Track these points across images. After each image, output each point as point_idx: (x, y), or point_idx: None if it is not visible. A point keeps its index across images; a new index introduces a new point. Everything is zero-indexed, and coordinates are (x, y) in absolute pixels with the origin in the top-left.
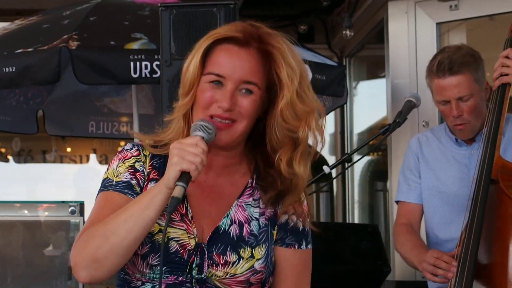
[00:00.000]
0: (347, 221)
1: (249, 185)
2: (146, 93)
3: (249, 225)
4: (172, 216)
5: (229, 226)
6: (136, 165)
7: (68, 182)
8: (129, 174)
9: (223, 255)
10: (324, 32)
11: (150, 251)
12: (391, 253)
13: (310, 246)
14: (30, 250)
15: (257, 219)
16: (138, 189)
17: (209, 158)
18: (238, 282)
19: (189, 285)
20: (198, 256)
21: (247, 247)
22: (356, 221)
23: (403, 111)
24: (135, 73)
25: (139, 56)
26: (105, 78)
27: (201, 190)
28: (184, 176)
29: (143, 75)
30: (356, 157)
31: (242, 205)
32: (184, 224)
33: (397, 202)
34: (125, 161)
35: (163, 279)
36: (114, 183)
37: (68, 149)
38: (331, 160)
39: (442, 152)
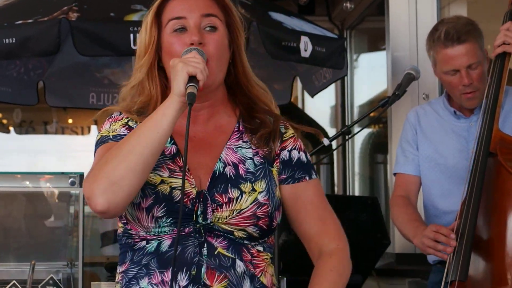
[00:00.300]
0: (348, 193)
1: (236, 129)
2: None
3: (244, 164)
4: (171, 167)
5: (224, 168)
6: (130, 123)
7: (70, 153)
8: (125, 129)
9: (225, 193)
10: (325, 4)
11: (154, 202)
12: (391, 225)
13: (317, 176)
14: (31, 220)
15: (251, 159)
16: None
17: (194, 114)
18: (246, 218)
19: (197, 234)
20: (202, 203)
21: (247, 182)
22: (357, 193)
23: (402, 83)
24: (135, 44)
25: (139, 28)
26: (105, 49)
27: (192, 145)
28: (192, 79)
29: None
30: (356, 129)
31: (232, 148)
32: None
33: (395, 174)
34: (118, 121)
35: (169, 232)
36: (111, 136)
37: (70, 120)
38: (331, 132)
39: (441, 124)
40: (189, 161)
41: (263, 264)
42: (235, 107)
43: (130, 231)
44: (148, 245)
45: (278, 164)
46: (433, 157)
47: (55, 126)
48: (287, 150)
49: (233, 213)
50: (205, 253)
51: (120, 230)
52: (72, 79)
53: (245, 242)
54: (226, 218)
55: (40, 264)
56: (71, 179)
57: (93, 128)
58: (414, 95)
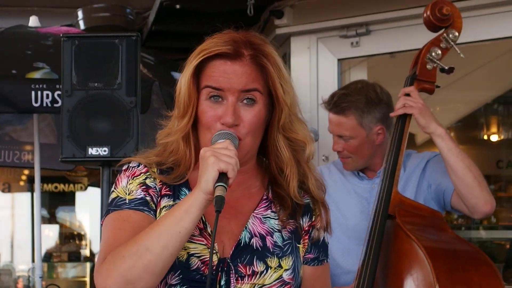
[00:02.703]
0: None
1: (265, 197)
2: (49, 123)
3: (272, 237)
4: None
5: (250, 239)
6: (147, 181)
7: None
8: (142, 191)
9: (250, 265)
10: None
11: (169, 269)
12: None
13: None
14: None
15: (280, 231)
16: (153, 205)
17: None
18: None
19: None
20: (225, 272)
21: (274, 257)
22: None
23: None
24: (36, 102)
25: (41, 86)
26: (5, 106)
27: None
28: (223, 177)
29: (44, 105)
30: None
31: (260, 218)
32: (203, 239)
33: None
34: (135, 178)
35: None
36: (127, 201)
37: None
38: None
39: (344, 184)
40: (213, 224)
41: None
42: (264, 172)
43: None
44: None
45: (307, 241)
46: (336, 217)
47: None
48: (316, 229)
49: (254, 287)
50: None
51: None
52: None
53: None
54: None
55: None
56: None
57: None
58: (314, 156)
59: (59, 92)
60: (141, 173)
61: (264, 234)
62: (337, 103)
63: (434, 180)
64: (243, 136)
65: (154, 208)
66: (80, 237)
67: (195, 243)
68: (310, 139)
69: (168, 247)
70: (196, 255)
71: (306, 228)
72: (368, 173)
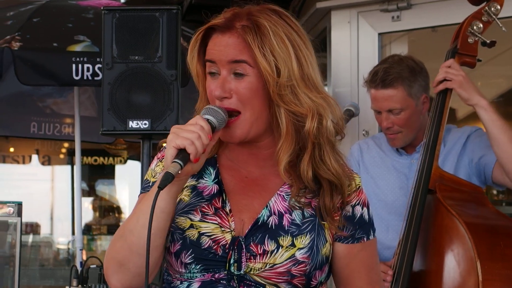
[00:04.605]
0: None
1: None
2: (90, 95)
3: (290, 215)
4: (205, 210)
5: (268, 217)
6: None
7: (10, 182)
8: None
9: (261, 244)
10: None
11: (181, 248)
12: None
13: (375, 234)
14: None
15: (301, 209)
16: None
17: (255, 152)
18: (278, 274)
19: (229, 283)
20: (236, 251)
21: (287, 235)
22: None
23: None
24: (77, 75)
25: (81, 59)
26: (46, 79)
27: (243, 185)
28: (181, 153)
29: (85, 77)
30: None
31: (283, 195)
32: (217, 218)
33: None
34: (162, 160)
35: (200, 277)
36: (150, 184)
37: (11, 149)
38: None
39: (383, 160)
40: (235, 202)
41: None
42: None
43: (168, 271)
44: (181, 285)
45: (337, 218)
46: (375, 192)
47: None
48: (351, 205)
49: (265, 266)
50: None
51: (165, 265)
52: (14, 108)
53: None
54: (258, 270)
55: None
56: (10, 208)
57: (34, 157)
58: (354, 131)
59: (99, 65)
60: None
61: (283, 211)
62: (383, 77)
63: (475, 154)
64: (237, 107)
65: None
66: (119, 210)
67: (207, 222)
68: (317, 111)
69: (146, 226)
70: (206, 234)
71: (338, 205)
72: (407, 148)
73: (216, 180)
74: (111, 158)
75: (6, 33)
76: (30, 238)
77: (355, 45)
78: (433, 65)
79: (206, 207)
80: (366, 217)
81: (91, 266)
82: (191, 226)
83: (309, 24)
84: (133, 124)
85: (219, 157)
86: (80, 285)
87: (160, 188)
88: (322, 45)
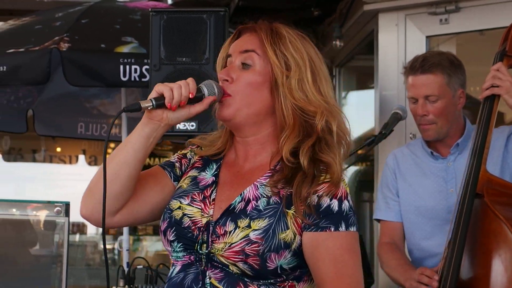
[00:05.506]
0: None
1: (272, 167)
2: (136, 97)
3: (256, 202)
4: (195, 196)
5: (238, 203)
6: (187, 154)
7: (57, 182)
8: (177, 158)
9: (224, 226)
10: (315, 42)
11: (167, 226)
12: (375, 264)
13: (352, 229)
14: (16, 248)
15: (268, 197)
16: (178, 171)
17: (246, 148)
18: (235, 252)
19: (197, 263)
20: (205, 233)
21: (247, 218)
22: None
23: (389, 122)
24: (124, 76)
25: (129, 60)
26: (94, 80)
27: (233, 178)
28: (158, 96)
29: (132, 79)
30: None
31: (257, 185)
32: (202, 204)
33: (377, 220)
34: (182, 151)
35: (182, 258)
36: (162, 162)
37: (58, 149)
38: None
39: (419, 166)
40: (221, 193)
41: None
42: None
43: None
44: (173, 267)
45: (303, 208)
46: (413, 199)
47: (43, 154)
48: (317, 196)
49: (226, 246)
50: (200, 283)
51: None
52: (61, 109)
53: (245, 279)
54: (222, 251)
55: None
56: (57, 208)
57: (81, 157)
58: (401, 134)
59: (147, 67)
60: (189, 149)
61: (252, 198)
62: (423, 62)
63: None
64: (231, 92)
65: (178, 173)
66: None
67: (192, 206)
68: (326, 111)
69: (117, 157)
70: (188, 215)
71: (305, 195)
72: (441, 149)
73: (215, 173)
74: (157, 159)
75: (54, 34)
76: (76, 238)
77: (402, 48)
78: (480, 69)
79: (197, 195)
80: (335, 208)
81: (138, 266)
82: (179, 207)
83: (356, 27)
84: (180, 125)
85: (225, 155)
86: (126, 286)
87: (124, 109)
88: (369, 47)
